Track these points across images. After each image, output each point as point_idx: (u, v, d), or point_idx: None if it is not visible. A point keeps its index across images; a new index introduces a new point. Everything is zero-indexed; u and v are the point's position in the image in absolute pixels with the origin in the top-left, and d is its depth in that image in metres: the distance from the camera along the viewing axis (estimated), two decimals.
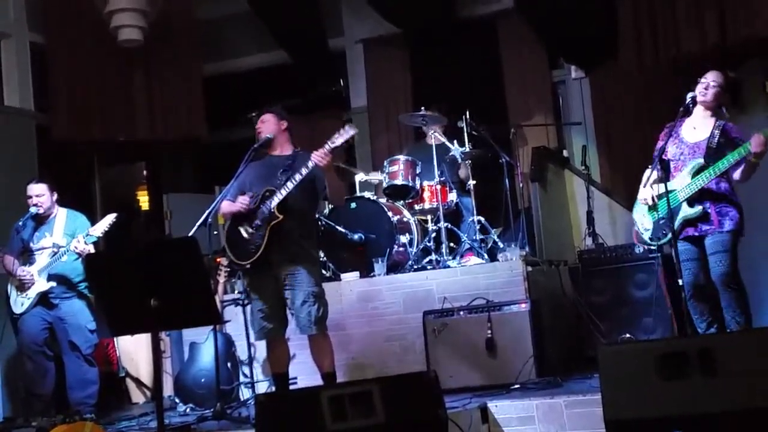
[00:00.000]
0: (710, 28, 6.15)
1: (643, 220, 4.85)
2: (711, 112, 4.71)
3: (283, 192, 4.61)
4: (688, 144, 4.70)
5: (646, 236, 4.82)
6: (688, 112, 4.71)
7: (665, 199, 4.52)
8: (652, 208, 4.73)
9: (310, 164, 4.58)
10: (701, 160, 4.59)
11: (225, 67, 8.58)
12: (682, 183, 4.62)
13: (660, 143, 4.72)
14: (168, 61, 7.91)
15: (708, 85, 4.66)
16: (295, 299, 4.66)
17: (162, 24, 7.61)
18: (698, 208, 4.56)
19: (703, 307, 4.69)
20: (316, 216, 6.08)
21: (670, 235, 4.56)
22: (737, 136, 4.61)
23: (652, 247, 4.77)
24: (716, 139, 4.61)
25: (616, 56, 6.80)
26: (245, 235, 4.70)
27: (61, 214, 5.79)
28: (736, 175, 4.57)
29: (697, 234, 4.62)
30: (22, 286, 5.62)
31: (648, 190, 4.72)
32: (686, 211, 4.59)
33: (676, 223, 4.59)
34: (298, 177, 4.60)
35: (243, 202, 4.74)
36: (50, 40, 7.55)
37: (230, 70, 8.61)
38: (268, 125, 4.91)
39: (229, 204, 4.85)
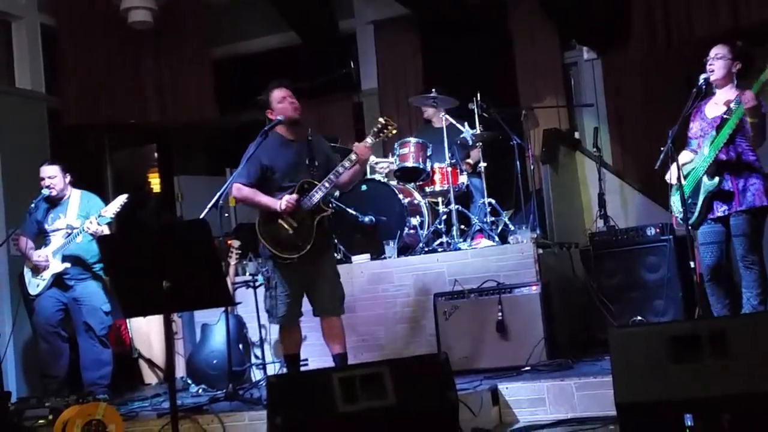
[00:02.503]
0: (723, 12, 6.10)
1: (677, 204, 4.78)
2: (731, 86, 4.62)
3: (327, 185, 4.59)
4: (708, 120, 4.68)
5: (681, 218, 4.72)
6: (708, 93, 4.63)
7: (689, 179, 4.55)
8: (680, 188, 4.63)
9: (354, 157, 4.60)
10: (714, 132, 4.56)
11: (235, 49, 8.56)
12: (703, 158, 4.61)
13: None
14: (178, 43, 7.90)
15: (712, 59, 4.57)
16: (324, 283, 4.70)
17: (172, 6, 7.60)
18: (715, 180, 4.51)
19: (720, 290, 4.68)
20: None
21: (696, 214, 4.58)
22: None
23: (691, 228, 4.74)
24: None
25: (629, 39, 6.75)
26: (289, 229, 4.59)
27: (75, 196, 5.82)
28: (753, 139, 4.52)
29: (722, 215, 4.58)
30: (37, 268, 5.67)
31: (674, 172, 4.64)
32: (706, 184, 4.56)
33: (700, 198, 4.58)
34: (341, 170, 4.60)
35: (290, 201, 4.54)
36: (61, 22, 7.55)
37: (240, 53, 8.58)
38: (296, 105, 4.78)
39: (263, 195, 4.65)
